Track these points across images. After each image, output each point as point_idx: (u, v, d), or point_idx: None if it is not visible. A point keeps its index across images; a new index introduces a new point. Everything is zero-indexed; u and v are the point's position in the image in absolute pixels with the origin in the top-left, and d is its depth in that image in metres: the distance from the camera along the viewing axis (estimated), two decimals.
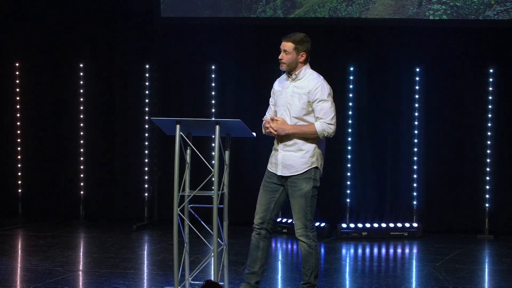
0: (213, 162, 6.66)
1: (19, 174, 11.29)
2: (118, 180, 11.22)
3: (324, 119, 6.30)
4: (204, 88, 10.89)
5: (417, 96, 10.43)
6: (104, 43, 11.18)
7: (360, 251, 9.47)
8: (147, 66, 10.99)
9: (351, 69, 10.48)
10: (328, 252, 9.35)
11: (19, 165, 11.30)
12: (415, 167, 10.42)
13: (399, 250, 9.62)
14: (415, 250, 9.57)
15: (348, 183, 10.47)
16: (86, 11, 11.12)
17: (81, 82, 11.15)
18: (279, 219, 10.42)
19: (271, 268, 8.33)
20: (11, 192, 11.30)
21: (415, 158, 10.43)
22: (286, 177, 6.41)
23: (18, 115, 11.29)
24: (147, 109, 10.97)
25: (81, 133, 11.15)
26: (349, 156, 10.48)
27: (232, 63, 10.89)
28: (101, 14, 11.13)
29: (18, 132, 11.28)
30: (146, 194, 10.99)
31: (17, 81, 11.27)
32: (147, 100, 10.99)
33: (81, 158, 11.15)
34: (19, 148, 11.29)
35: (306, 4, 10.44)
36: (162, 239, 9.92)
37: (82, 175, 11.15)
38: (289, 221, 10.38)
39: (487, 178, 10.27)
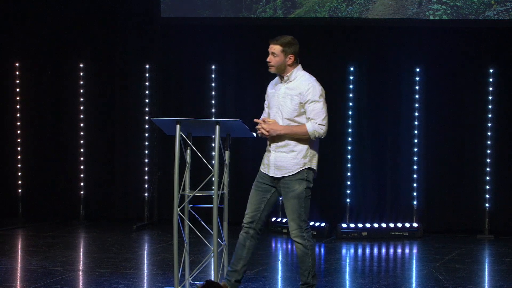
0: (213, 162, 6.66)
1: (19, 174, 11.29)
2: (118, 180, 11.22)
3: (315, 120, 6.31)
4: (204, 88, 10.89)
5: (417, 96, 10.43)
6: (104, 43, 11.18)
7: (360, 251, 9.47)
8: (147, 66, 10.99)
9: (351, 69, 10.48)
10: (328, 252, 9.35)
11: (19, 165, 11.30)
12: (415, 167, 10.42)
13: (399, 250, 9.62)
14: (415, 250, 9.57)
15: (348, 183, 10.47)
16: (86, 11, 11.12)
17: (81, 82, 11.15)
18: (279, 219, 10.43)
19: (271, 268, 8.34)
20: (11, 192, 11.30)
21: (415, 158, 10.43)
22: (279, 178, 6.40)
23: (18, 115, 11.29)
24: (147, 109, 10.97)
25: (81, 133, 11.15)
26: (349, 156, 10.48)
27: (232, 63, 10.89)
28: (101, 14, 11.13)
29: (18, 132, 11.28)
30: (146, 194, 10.99)
31: (17, 81, 11.27)
32: (147, 100, 10.99)
33: (81, 158, 11.15)
34: (19, 148, 11.29)
35: (306, 4, 10.44)
36: (162, 239, 9.92)
37: (82, 175, 11.15)
38: None
39: (487, 178, 10.27)
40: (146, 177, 11.01)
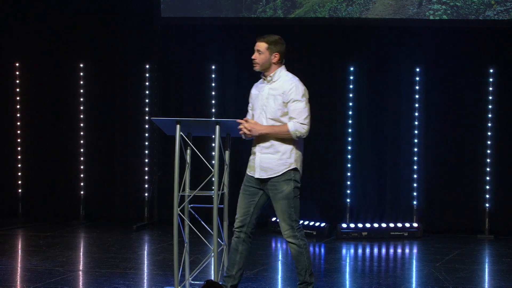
0: (213, 162, 6.66)
1: (19, 174, 11.29)
2: (118, 180, 11.22)
3: (297, 119, 6.30)
4: (204, 88, 10.89)
5: (417, 96, 10.43)
6: (104, 43, 11.18)
7: (360, 251, 9.47)
8: (147, 66, 10.99)
9: (351, 69, 10.48)
10: (328, 252, 9.35)
11: (19, 165, 11.30)
12: (415, 167, 10.42)
13: (399, 250, 9.62)
14: (415, 250, 9.57)
15: (348, 183, 10.47)
16: (86, 11, 11.12)
17: (81, 82, 11.15)
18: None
19: (271, 268, 8.34)
20: (11, 192, 11.30)
21: (415, 158, 10.43)
22: (265, 180, 6.39)
23: (18, 115, 11.29)
24: (147, 109, 10.97)
25: (81, 133, 11.15)
26: (349, 156, 10.48)
27: (232, 63, 10.88)
28: (101, 14, 11.13)
29: (18, 132, 11.28)
30: (146, 194, 10.99)
31: (17, 81, 11.27)
32: (147, 100, 10.99)
33: (81, 158, 11.15)
34: (19, 148, 11.29)
35: (306, 4, 10.44)
36: (162, 239, 9.92)
37: (82, 175, 11.15)
38: None
39: (487, 178, 10.27)
40: (146, 177, 11.01)
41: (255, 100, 6.52)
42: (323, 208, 10.42)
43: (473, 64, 10.38)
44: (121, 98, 11.19)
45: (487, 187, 10.26)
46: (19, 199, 11.28)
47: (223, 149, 6.68)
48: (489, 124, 10.27)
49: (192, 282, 6.88)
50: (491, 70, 10.27)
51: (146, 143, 11.00)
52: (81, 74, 11.14)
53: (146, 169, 11.00)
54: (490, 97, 10.28)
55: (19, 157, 11.29)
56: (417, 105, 10.43)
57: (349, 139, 10.48)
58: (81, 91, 11.15)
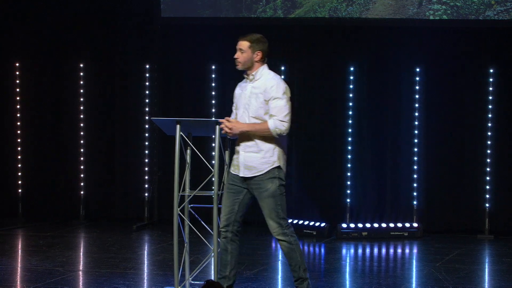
0: (213, 162, 6.66)
1: (19, 174, 11.29)
2: (118, 180, 11.22)
3: (277, 117, 6.30)
4: (204, 88, 10.89)
5: (417, 96, 10.43)
6: (104, 43, 11.18)
7: (360, 251, 9.47)
8: (147, 66, 10.99)
9: (351, 69, 10.48)
10: (328, 252, 9.35)
11: (19, 165, 11.30)
12: (415, 167, 10.42)
13: (399, 250, 9.62)
14: (415, 250, 9.57)
15: (348, 183, 10.47)
16: (86, 11, 11.12)
17: (81, 82, 11.15)
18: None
19: (271, 268, 8.34)
20: (11, 192, 11.30)
21: (415, 158, 10.43)
22: (249, 179, 6.39)
23: (18, 115, 11.29)
24: (147, 109, 10.97)
25: (81, 133, 11.15)
26: (349, 156, 10.48)
27: (232, 63, 10.78)
28: (101, 14, 11.13)
29: (18, 132, 11.28)
30: (146, 194, 10.99)
31: (17, 81, 11.27)
32: (147, 100, 11.00)
33: (81, 158, 11.15)
34: (19, 148, 11.29)
35: (306, 4, 10.44)
36: (162, 239, 9.92)
37: (82, 175, 11.16)
38: (289, 220, 10.35)
39: (487, 178, 10.27)
40: (146, 177, 11.01)
41: (238, 99, 6.54)
42: (323, 208, 10.43)
43: (473, 64, 10.38)
44: (121, 98, 11.19)
45: (487, 187, 10.26)
46: (19, 199, 11.28)
47: (223, 149, 6.68)
48: (489, 124, 10.27)
49: (192, 282, 6.87)
50: (491, 70, 10.27)
51: (146, 143, 11.00)
52: (81, 74, 11.14)
53: (146, 169, 11.00)
54: (490, 97, 10.28)
55: (19, 157, 11.29)
56: (417, 105, 10.43)
57: (349, 139, 10.48)
58: (81, 91, 11.15)
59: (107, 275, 7.72)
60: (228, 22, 10.64)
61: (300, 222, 10.30)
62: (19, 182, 11.29)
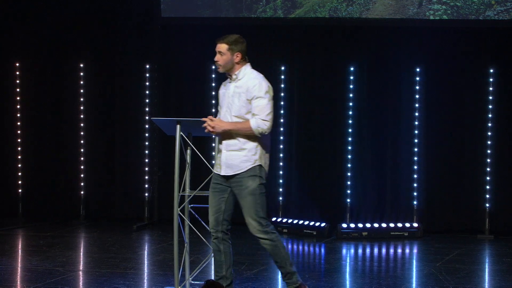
0: (213, 162, 6.66)
1: (19, 174, 11.30)
2: (118, 180, 11.22)
3: (259, 116, 6.30)
4: (204, 88, 10.89)
5: (417, 96, 10.43)
6: (104, 43, 11.18)
7: (360, 251, 9.47)
8: (147, 66, 10.99)
9: (351, 69, 10.48)
10: (328, 252, 9.35)
11: (19, 165, 11.30)
12: (415, 167, 10.42)
13: (399, 250, 9.61)
14: (415, 250, 9.56)
15: (348, 183, 10.47)
16: (86, 11, 11.12)
17: (81, 82, 11.15)
18: (279, 219, 10.43)
19: (271, 268, 8.33)
20: (11, 192, 11.30)
21: (415, 158, 10.43)
22: (230, 177, 6.37)
23: (18, 115, 11.29)
24: (147, 109, 10.97)
25: (81, 133, 11.15)
26: (349, 156, 10.48)
27: None
28: (101, 14, 11.13)
29: (18, 132, 11.29)
30: (146, 194, 10.99)
31: (17, 81, 11.27)
32: (147, 100, 10.99)
33: (81, 158, 11.15)
34: (19, 148, 11.29)
35: (306, 4, 10.44)
36: (162, 239, 9.92)
37: (82, 175, 11.16)
38: (289, 221, 10.38)
39: (487, 178, 10.27)
40: (146, 177, 11.01)
41: (222, 98, 6.56)
42: (323, 208, 10.43)
43: (473, 64, 10.38)
44: (121, 98, 11.19)
45: (487, 187, 10.26)
46: (19, 199, 11.28)
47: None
48: (489, 124, 10.27)
49: (192, 282, 6.87)
50: (491, 70, 10.27)
51: (146, 143, 11.00)
52: (81, 74, 11.15)
53: (146, 169, 11.00)
54: (490, 97, 10.28)
55: (19, 157, 11.29)
56: (417, 105, 10.43)
57: (349, 139, 10.48)
58: (81, 91, 11.15)
59: (107, 275, 7.72)
60: (228, 22, 10.64)
61: (300, 222, 10.30)
62: (19, 182, 11.29)
